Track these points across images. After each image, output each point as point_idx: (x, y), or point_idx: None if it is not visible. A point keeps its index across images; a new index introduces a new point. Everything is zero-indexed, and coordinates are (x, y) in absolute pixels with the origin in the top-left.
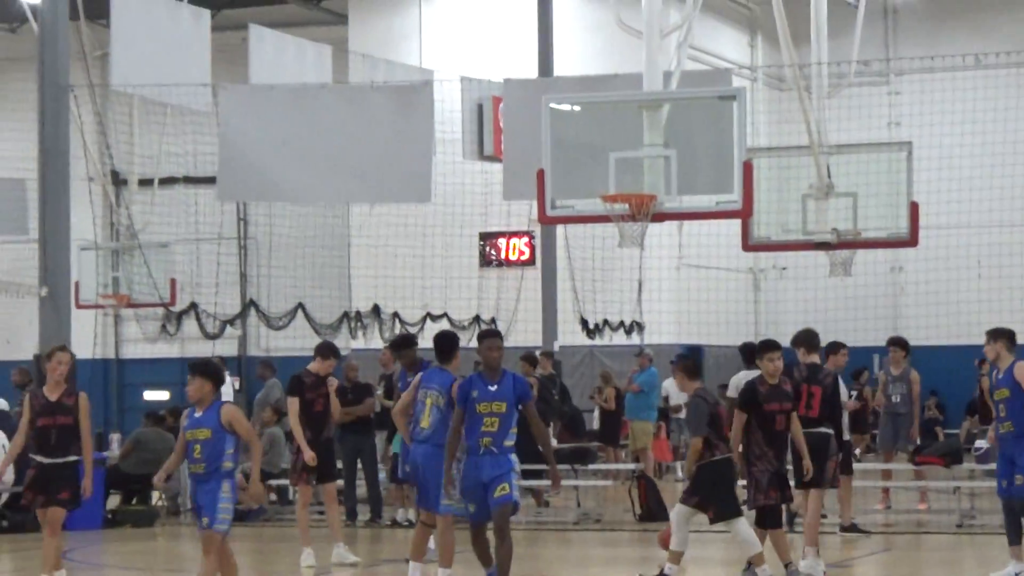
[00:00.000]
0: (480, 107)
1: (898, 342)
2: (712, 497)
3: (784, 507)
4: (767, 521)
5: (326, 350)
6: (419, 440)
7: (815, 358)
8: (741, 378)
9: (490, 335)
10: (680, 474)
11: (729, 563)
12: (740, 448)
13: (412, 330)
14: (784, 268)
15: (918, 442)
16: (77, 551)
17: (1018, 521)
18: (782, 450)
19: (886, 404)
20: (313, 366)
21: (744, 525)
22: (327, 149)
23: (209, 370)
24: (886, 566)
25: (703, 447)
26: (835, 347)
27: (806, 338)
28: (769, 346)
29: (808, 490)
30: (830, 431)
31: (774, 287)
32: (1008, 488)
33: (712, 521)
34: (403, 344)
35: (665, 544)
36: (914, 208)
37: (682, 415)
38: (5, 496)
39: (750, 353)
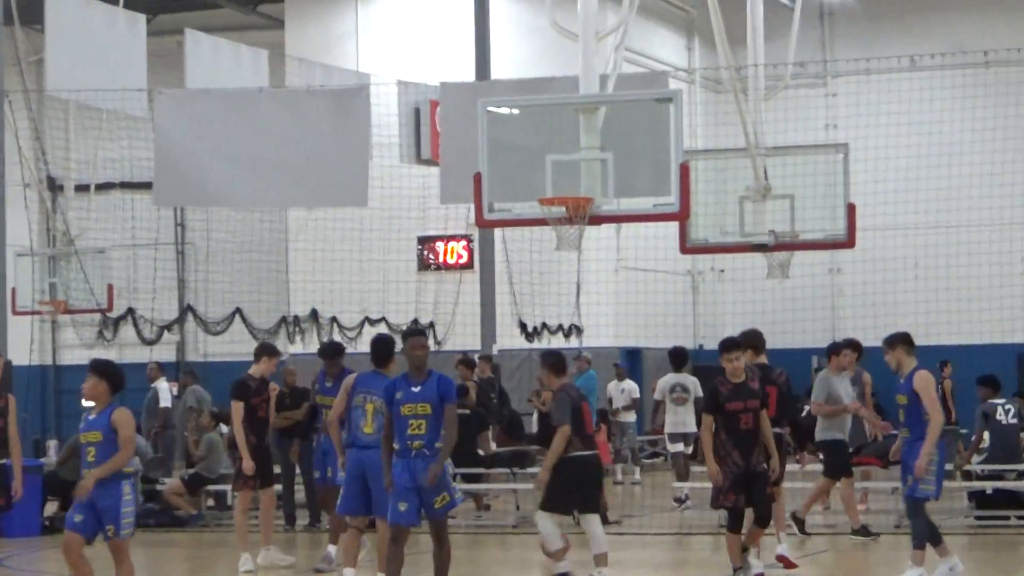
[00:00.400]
0: (417, 111)
1: (851, 344)
2: (549, 490)
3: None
4: (729, 523)
5: (270, 349)
6: (363, 446)
7: (763, 359)
8: (667, 381)
9: (414, 333)
10: (620, 476)
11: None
12: (710, 452)
13: (350, 334)
14: (722, 270)
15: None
16: (14, 558)
17: (927, 522)
18: (749, 451)
19: None
20: (256, 368)
21: (543, 519)
22: (264, 153)
23: (106, 369)
24: (827, 566)
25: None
26: (835, 348)
27: (752, 339)
28: (727, 346)
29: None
30: (782, 431)
31: (712, 289)
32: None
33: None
34: (337, 352)
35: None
36: (851, 209)
37: (621, 418)
38: None
39: (679, 357)
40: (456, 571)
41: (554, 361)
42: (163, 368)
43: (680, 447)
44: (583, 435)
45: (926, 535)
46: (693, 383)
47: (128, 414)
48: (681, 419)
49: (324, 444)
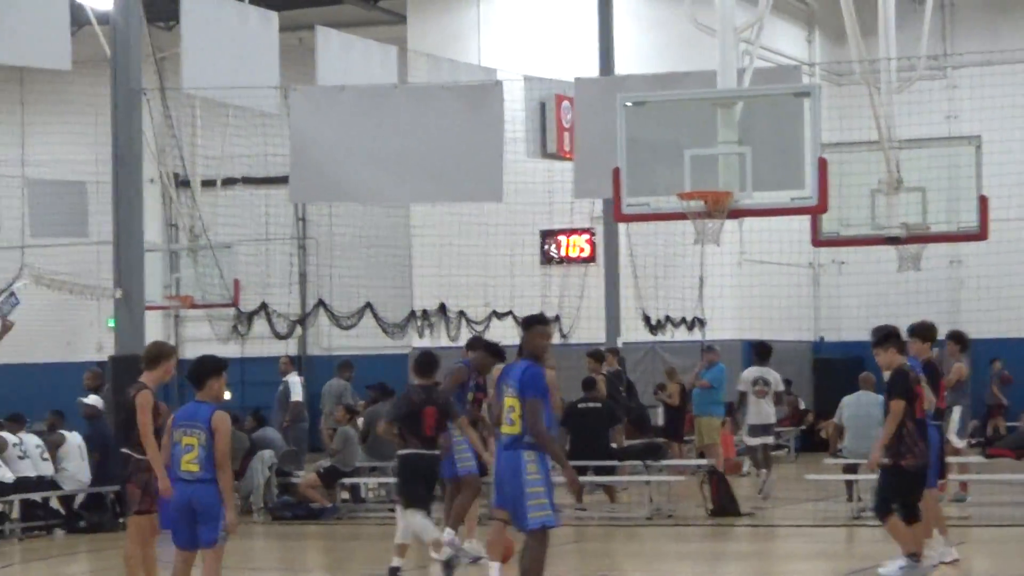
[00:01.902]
0: (543, 105)
1: (953, 336)
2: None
3: None
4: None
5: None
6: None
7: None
8: (750, 373)
9: (540, 321)
10: (746, 469)
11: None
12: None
13: (478, 328)
14: (843, 263)
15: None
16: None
17: None
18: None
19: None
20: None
21: (414, 516)
22: (399, 149)
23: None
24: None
25: (398, 437)
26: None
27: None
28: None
29: None
30: None
31: (833, 282)
32: None
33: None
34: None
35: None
36: (983, 202)
37: None
38: (82, 496)
39: (763, 350)
40: (589, 563)
41: (421, 361)
42: (294, 362)
43: (760, 440)
44: (420, 436)
45: None
46: (775, 377)
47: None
48: (763, 411)
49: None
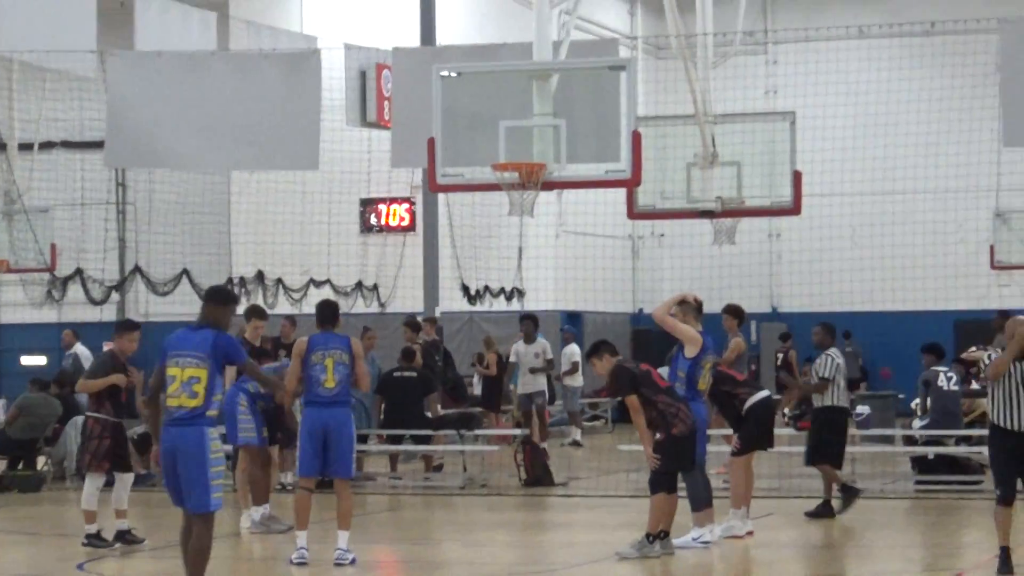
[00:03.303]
0: (363, 74)
1: (729, 309)
2: None
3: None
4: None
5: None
6: (325, 403)
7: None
8: (517, 348)
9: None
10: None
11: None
12: None
13: (295, 295)
14: (662, 235)
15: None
16: None
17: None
18: None
19: None
20: (248, 333)
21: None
22: (216, 116)
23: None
24: (773, 529)
25: None
26: None
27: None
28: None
29: None
30: None
31: (652, 254)
32: None
33: None
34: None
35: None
36: (797, 177)
37: (567, 381)
38: None
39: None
40: (406, 532)
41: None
42: (78, 334)
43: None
44: (116, 403)
45: (701, 496)
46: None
47: None
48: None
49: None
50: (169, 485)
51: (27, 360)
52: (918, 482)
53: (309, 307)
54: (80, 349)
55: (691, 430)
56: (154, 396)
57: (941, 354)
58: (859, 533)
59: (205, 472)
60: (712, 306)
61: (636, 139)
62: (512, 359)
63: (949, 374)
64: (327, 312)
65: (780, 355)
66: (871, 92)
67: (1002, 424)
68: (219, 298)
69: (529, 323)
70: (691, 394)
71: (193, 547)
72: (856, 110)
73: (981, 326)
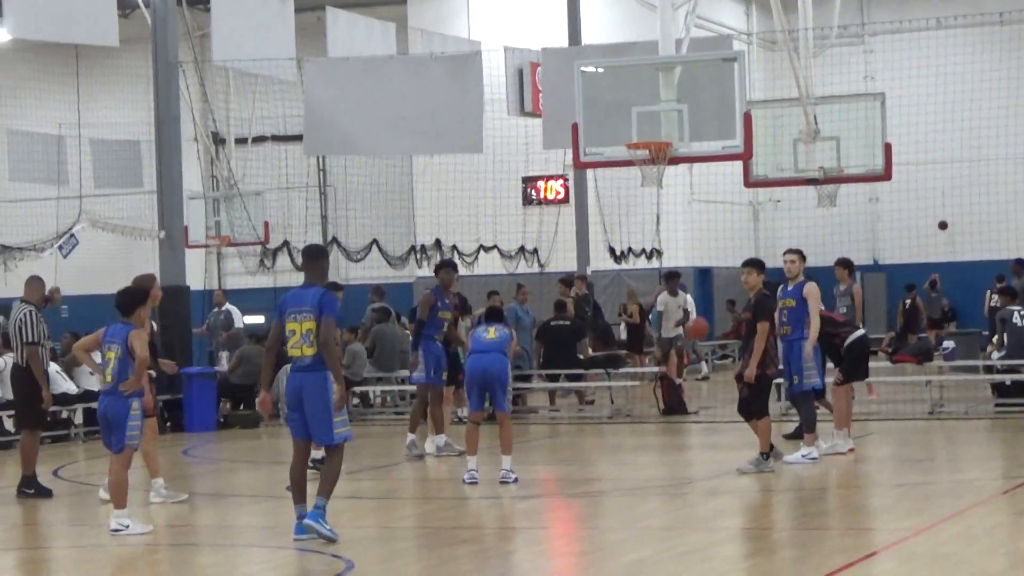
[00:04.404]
0: (520, 71)
1: (841, 262)
2: None
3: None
4: None
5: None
6: (482, 350)
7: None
8: (664, 300)
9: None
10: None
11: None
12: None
13: (468, 259)
14: (779, 201)
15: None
16: (196, 448)
17: (812, 410)
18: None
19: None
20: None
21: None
22: (395, 110)
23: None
24: (873, 446)
25: None
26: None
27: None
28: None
29: None
30: None
31: (771, 217)
32: (790, 387)
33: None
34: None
35: None
36: (888, 148)
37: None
38: None
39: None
40: (561, 454)
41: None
42: (226, 294)
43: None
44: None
45: (814, 420)
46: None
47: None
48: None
49: (431, 348)
50: (292, 421)
51: (248, 319)
52: (997, 405)
53: (480, 269)
54: (229, 307)
55: (774, 375)
56: (272, 347)
57: (1014, 295)
58: (947, 448)
59: (328, 410)
60: (823, 259)
61: (747, 120)
62: (660, 308)
63: (1022, 311)
64: (492, 313)
65: (907, 302)
66: (955, 74)
67: None
68: (310, 254)
69: (675, 280)
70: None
71: (325, 472)
72: (942, 89)
73: None
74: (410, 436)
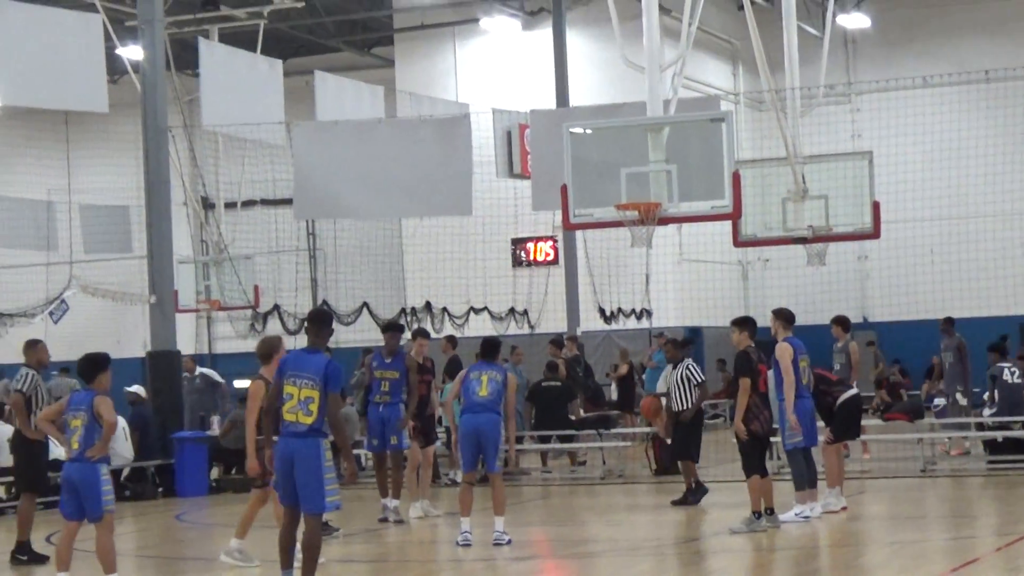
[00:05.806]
0: (509, 133)
1: (836, 320)
2: None
3: None
4: None
5: (424, 332)
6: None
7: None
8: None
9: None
10: None
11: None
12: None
13: (458, 322)
14: (768, 260)
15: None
16: (189, 513)
17: (802, 467)
18: None
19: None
20: (413, 351)
21: None
22: (385, 173)
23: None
24: (865, 504)
25: None
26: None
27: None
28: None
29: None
30: None
31: (760, 276)
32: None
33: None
34: (394, 328)
35: None
36: (876, 206)
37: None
38: (127, 470)
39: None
40: (555, 515)
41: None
42: (195, 359)
43: None
44: None
45: (804, 478)
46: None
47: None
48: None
49: (384, 413)
50: (282, 486)
51: (239, 383)
52: (990, 462)
53: (470, 331)
54: (201, 370)
55: (765, 432)
56: (271, 407)
57: (1005, 352)
58: (940, 504)
59: (320, 478)
60: (813, 318)
61: (736, 179)
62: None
63: (1012, 369)
64: (488, 346)
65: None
66: (941, 132)
67: None
68: (319, 320)
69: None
70: (801, 391)
71: (306, 543)
72: (929, 147)
73: None
74: (393, 502)
